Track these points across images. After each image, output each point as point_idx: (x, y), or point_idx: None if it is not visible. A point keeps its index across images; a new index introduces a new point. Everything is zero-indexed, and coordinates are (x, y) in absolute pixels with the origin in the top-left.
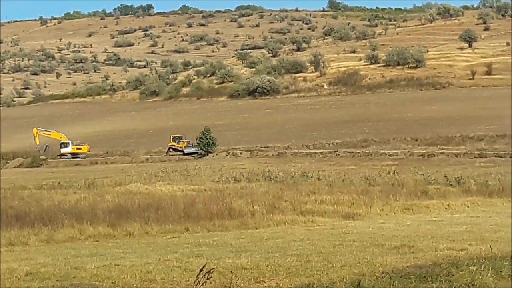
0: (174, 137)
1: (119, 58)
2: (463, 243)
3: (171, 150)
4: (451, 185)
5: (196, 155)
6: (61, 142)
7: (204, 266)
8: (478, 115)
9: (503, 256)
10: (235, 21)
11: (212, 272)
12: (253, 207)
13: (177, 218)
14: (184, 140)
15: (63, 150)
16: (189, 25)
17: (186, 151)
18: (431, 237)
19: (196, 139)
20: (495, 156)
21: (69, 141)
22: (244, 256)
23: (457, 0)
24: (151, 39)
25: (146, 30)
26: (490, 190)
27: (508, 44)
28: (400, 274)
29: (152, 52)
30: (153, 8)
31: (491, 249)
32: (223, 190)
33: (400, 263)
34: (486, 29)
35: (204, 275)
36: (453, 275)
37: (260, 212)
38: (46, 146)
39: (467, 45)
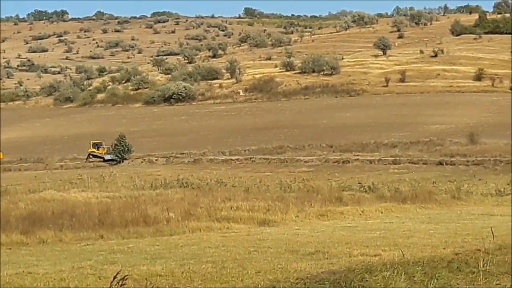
0: (94, 143)
1: (32, 64)
2: (377, 249)
3: (91, 156)
4: (366, 191)
5: (112, 161)
6: None
7: (118, 273)
8: (392, 122)
9: (416, 261)
10: (150, 27)
11: (126, 279)
12: (168, 214)
13: (91, 225)
14: (104, 146)
15: None
16: (104, 31)
17: (106, 157)
18: (345, 243)
19: (111, 146)
20: (409, 162)
21: None
22: (159, 263)
23: (372, 5)
24: (66, 45)
25: (61, 36)
26: (403, 196)
27: (421, 51)
28: (314, 280)
29: (66, 58)
30: (68, 13)
31: (403, 255)
32: (138, 197)
33: (315, 269)
34: (400, 36)
35: (118, 282)
36: (367, 280)
37: (175, 219)
38: None
39: (381, 52)
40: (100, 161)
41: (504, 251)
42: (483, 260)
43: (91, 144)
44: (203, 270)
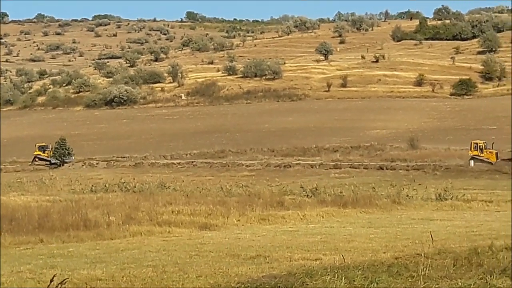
0: (40, 146)
1: None
2: (318, 253)
3: (36, 159)
4: (307, 195)
5: (53, 165)
6: None
7: (54, 276)
8: (333, 126)
9: (356, 266)
10: (92, 31)
11: (65, 283)
12: (109, 218)
13: (31, 229)
14: (50, 149)
15: None
16: (45, 34)
17: (53, 160)
18: (286, 247)
19: (49, 149)
20: (350, 167)
21: None
22: (99, 267)
23: (314, 10)
24: (6, 47)
25: (1, 38)
26: (344, 200)
27: (362, 57)
28: (255, 284)
29: (6, 61)
30: (8, 16)
31: (344, 259)
32: (78, 201)
33: (256, 273)
34: (341, 42)
35: (57, 286)
36: (307, 284)
37: (116, 223)
38: None
39: (323, 57)
40: (46, 164)
41: (443, 256)
42: (423, 265)
43: (36, 147)
44: (143, 274)
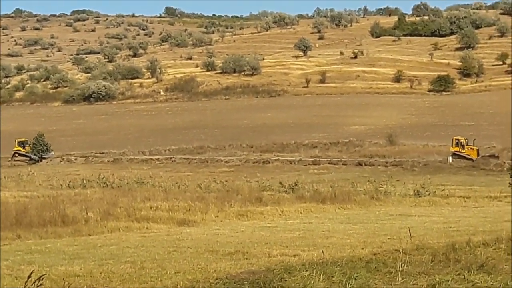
0: (20, 141)
1: None
2: (296, 249)
3: (16, 155)
4: (286, 191)
5: (31, 160)
6: None
7: (32, 273)
8: (312, 122)
9: (334, 262)
10: (70, 26)
11: (43, 279)
12: (87, 213)
13: (8, 225)
14: (29, 144)
15: None
16: (23, 29)
17: (33, 156)
18: (264, 243)
19: (29, 145)
20: (328, 163)
21: None
22: (77, 263)
23: (293, 6)
24: None
25: None
26: (323, 196)
27: (341, 53)
28: (233, 280)
29: None
30: None
31: (323, 255)
32: (56, 197)
33: (234, 269)
34: (320, 38)
35: (34, 282)
36: (286, 280)
37: (94, 219)
38: None
39: (302, 53)
40: (25, 160)
41: (421, 251)
42: (401, 260)
43: (16, 142)
44: (121, 271)
